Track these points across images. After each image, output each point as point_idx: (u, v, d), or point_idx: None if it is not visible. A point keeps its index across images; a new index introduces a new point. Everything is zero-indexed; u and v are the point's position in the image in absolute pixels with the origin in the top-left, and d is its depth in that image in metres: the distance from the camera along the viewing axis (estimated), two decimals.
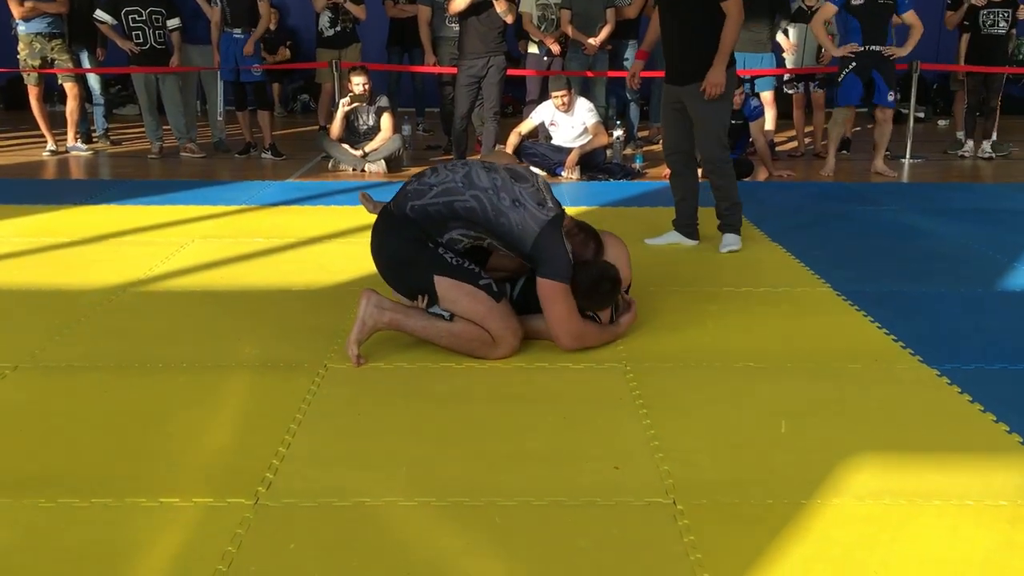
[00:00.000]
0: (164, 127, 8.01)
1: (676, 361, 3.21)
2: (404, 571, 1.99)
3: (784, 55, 7.79)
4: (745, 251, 4.70)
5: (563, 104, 6.76)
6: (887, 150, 7.29)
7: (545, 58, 7.75)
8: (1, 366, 3.11)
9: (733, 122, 5.87)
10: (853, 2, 6.62)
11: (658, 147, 8.28)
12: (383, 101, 7.24)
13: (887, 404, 2.86)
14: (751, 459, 2.50)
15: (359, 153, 7.14)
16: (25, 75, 7.84)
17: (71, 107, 7.99)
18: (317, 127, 8.84)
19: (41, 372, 3.11)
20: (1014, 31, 7.94)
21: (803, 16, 7.64)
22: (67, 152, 8.04)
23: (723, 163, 4.68)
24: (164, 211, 5.61)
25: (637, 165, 7.22)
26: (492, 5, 6.62)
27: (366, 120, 7.22)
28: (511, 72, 7.22)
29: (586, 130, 6.85)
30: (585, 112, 6.84)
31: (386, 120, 7.18)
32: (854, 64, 6.72)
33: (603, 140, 6.95)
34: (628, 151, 7.77)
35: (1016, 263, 4.45)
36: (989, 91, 7.91)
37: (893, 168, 7.17)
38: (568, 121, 6.87)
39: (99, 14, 7.62)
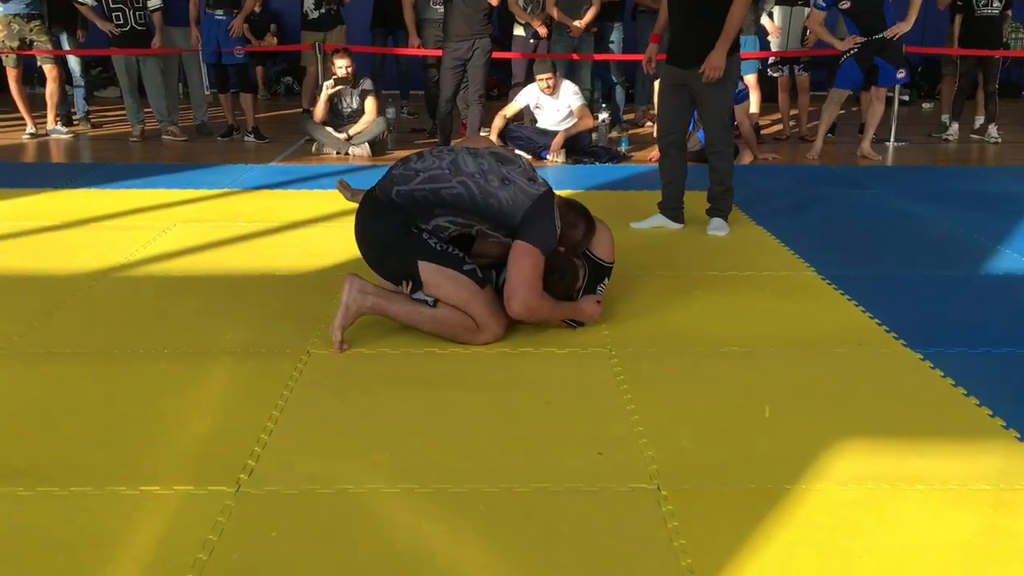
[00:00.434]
0: (146, 110, 7.93)
1: (660, 346, 3.20)
2: (387, 558, 1.98)
3: (769, 38, 7.77)
4: (730, 235, 4.69)
5: (548, 87, 6.73)
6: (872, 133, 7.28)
7: (531, 40, 7.70)
8: None
9: None
10: (841, 5, 6.59)
11: (643, 130, 8.28)
12: (367, 84, 7.18)
13: (871, 388, 2.86)
14: (735, 444, 2.50)
15: (343, 136, 7.09)
16: (4, 57, 7.72)
17: (51, 89, 7.89)
18: (301, 110, 8.77)
19: (20, 359, 3.07)
20: (1009, 13, 7.86)
21: None
22: (47, 135, 7.95)
23: (727, 146, 4.71)
24: (145, 195, 5.55)
25: (623, 148, 7.20)
26: None
27: (350, 103, 7.17)
28: (497, 54, 7.17)
29: (571, 113, 6.82)
30: (570, 95, 6.81)
31: (370, 103, 7.12)
32: (855, 51, 6.67)
33: (588, 123, 6.92)
34: (614, 134, 7.75)
35: (1000, 247, 4.46)
36: (987, 75, 7.83)
37: (878, 151, 7.18)
38: (553, 104, 6.83)
39: None
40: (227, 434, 2.53)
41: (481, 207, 3.13)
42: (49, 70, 7.84)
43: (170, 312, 3.52)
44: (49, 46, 7.76)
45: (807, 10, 7.22)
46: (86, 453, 2.42)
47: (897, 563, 1.98)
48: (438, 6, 7.34)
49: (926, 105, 10.43)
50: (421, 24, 7.74)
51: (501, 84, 9.41)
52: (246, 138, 7.75)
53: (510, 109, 6.99)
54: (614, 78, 8.32)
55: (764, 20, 7.67)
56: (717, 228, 4.73)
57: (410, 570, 1.95)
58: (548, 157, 6.79)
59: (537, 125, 6.97)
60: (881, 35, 6.58)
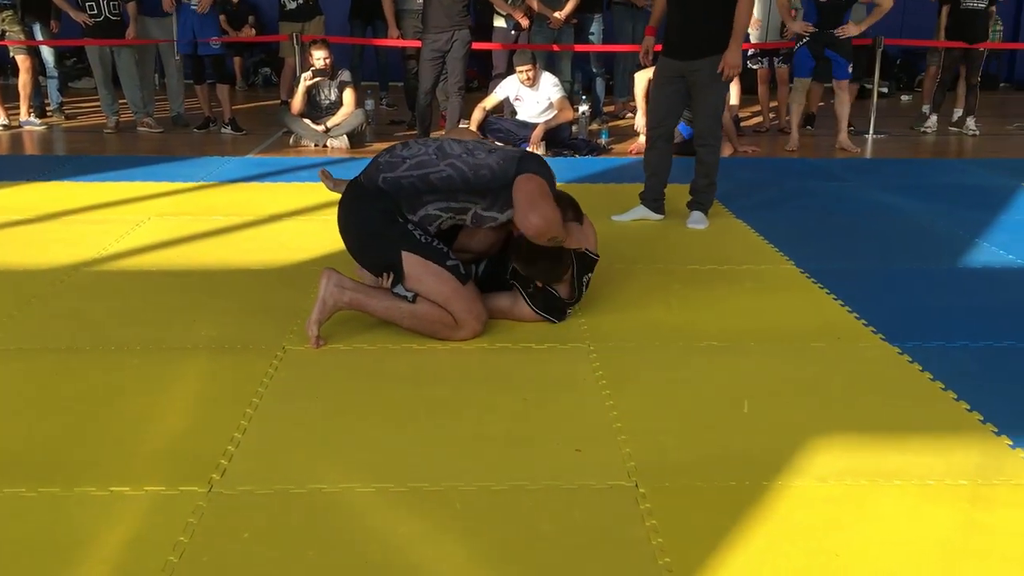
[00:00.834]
0: (121, 101, 7.83)
1: (640, 340, 3.19)
2: (360, 560, 1.95)
3: (748, 30, 7.75)
4: (710, 228, 4.69)
5: (528, 79, 6.69)
6: (851, 125, 7.30)
7: (512, 32, 7.66)
8: None
9: None
10: None
11: (624, 122, 8.25)
12: (345, 75, 7.11)
13: (849, 383, 2.86)
14: (713, 440, 2.48)
15: (321, 128, 7.02)
16: None
17: (24, 80, 7.78)
18: (279, 101, 8.68)
19: None
20: (993, 8, 7.86)
21: None
22: (20, 127, 7.83)
23: (717, 140, 4.75)
24: (120, 188, 5.48)
25: (603, 141, 7.17)
26: None
27: (328, 95, 7.10)
28: (476, 45, 7.12)
29: (551, 105, 6.78)
30: (550, 87, 6.77)
31: (348, 95, 7.06)
32: (807, 39, 6.76)
33: (568, 115, 6.89)
34: (594, 126, 7.72)
35: (978, 239, 4.47)
36: (970, 68, 7.84)
37: (857, 144, 7.19)
38: (533, 96, 6.80)
39: None
40: (200, 432, 2.49)
41: (473, 182, 3.10)
42: (22, 61, 7.73)
43: (143, 307, 3.47)
44: (22, 36, 7.65)
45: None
46: (55, 453, 2.38)
47: (875, 559, 1.97)
48: None
49: (905, 97, 10.46)
50: (400, 15, 7.68)
51: (481, 76, 9.36)
52: (223, 130, 7.67)
53: (490, 101, 6.94)
54: (594, 70, 8.29)
55: None
56: (697, 221, 4.72)
57: (383, 571, 1.92)
58: (528, 149, 6.75)
59: (517, 117, 6.93)
60: (833, 30, 6.63)
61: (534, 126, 6.74)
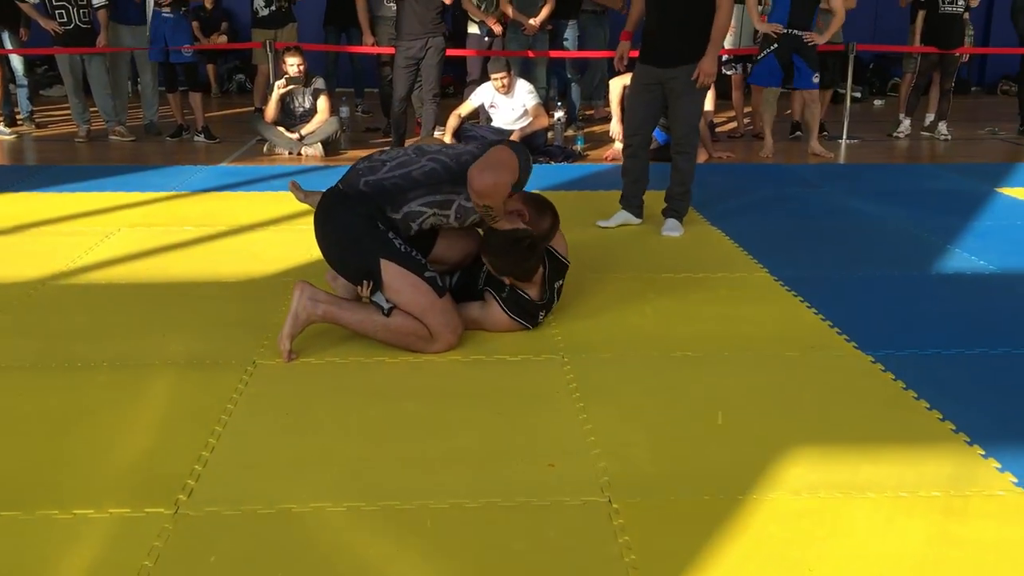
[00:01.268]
0: (92, 109, 7.74)
1: (614, 351, 3.17)
2: None
3: None
4: (684, 235, 4.68)
5: (503, 86, 6.67)
6: (824, 130, 7.32)
7: (486, 38, 7.64)
8: None
9: None
10: None
11: (599, 127, 8.24)
12: (319, 83, 7.07)
13: (822, 393, 2.85)
14: (687, 453, 2.47)
15: (295, 136, 6.97)
16: None
17: None
18: (253, 108, 8.62)
19: None
20: (967, 15, 7.89)
21: None
22: None
23: (693, 147, 4.76)
24: (89, 198, 5.41)
25: (578, 147, 7.17)
26: None
27: (302, 102, 7.05)
28: (450, 52, 7.10)
29: (526, 112, 6.77)
30: (525, 94, 6.76)
31: (322, 102, 7.02)
32: (775, 46, 6.73)
33: (543, 122, 6.88)
34: (570, 132, 7.72)
35: (950, 245, 4.49)
36: (944, 73, 7.87)
37: (830, 149, 7.22)
38: (508, 103, 6.78)
39: None
40: (166, 451, 2.45)
41: (455, 171, 3.09)
42: None
43: (111, 322, 3.42)
44: None
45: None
46: (17, 475, 2.33)
47: (849, 574, 1.96)
48: (391, 3, 7.24)
49: (878, 102, 10.53)
50: (375, 21, 7.65)
51: (457, 82, 9.34)
52: (196, 138, 7.61)
53: (465, 108, 6.92)
54: (569, 75, 8.29)
55: None
56: (672, 229, 4.71)
57: None
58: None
59: (492, 124, 6.91)
60: (800, 33, 6.64)
61: (509, 133, 6.72)
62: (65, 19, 7.33)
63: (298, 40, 7.87)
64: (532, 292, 3.28)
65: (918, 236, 4.70)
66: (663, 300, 3.68)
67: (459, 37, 8.12)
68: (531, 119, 6.76)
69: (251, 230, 4.74)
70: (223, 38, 9.55)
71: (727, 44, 7.79)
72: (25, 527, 2.10)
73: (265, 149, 7.09)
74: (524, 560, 2.01)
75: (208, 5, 9.31)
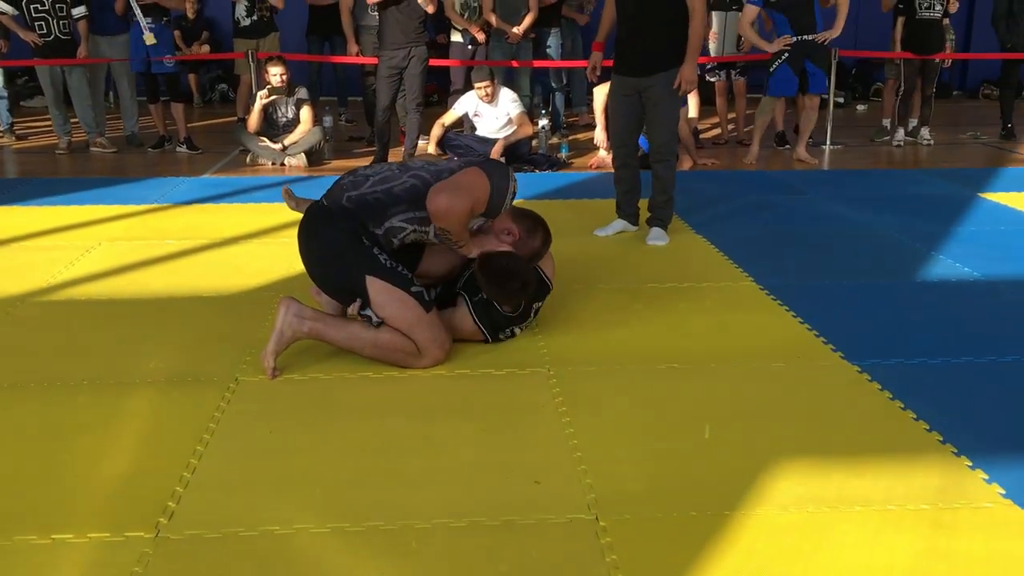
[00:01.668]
0: (73, 120, 7.68)
1: (600, 364, 3.15)
2: None
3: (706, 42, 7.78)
4: (670, 244, 4.67)
5: (487, 95, 6.66)
6: (809, 137, 7.32)
7: (469, 47, 7.63)
8: None
9: None
10: None
11: (584, 135, 8.24)
12: (302, 93, 7.04)
13: (809, 405, 2.84)
14: (674, 468, 2.45)
15: (278, 146, 6.94)
16: None
17: None
18: (236, 118, 8.57)
19: None
20: (947, 21, 7.91)
21: (723, 4, 7.64)
22: None
23: (672, 155, 4.77)
24: (70, 212, 5.36)
25: (563, 155, 7.15)
26: None
27: (285, 112, 7.02)
28: (433, 62, 7.08)
29: (510, 121, 6.76)
30: (509, 103, 6.75)
31: (306, 112, 6.98)
32: (787, 55, 6.69)
33: (528, 131, 6.87)
34: (554, 140, 7.71)
35: (935, 252, 4.50)
36: (926, 78, 7.87)
37: (814, 155, 7.23)
38: (492, 112, 6.77)
39: None
40: (147, 473, 2.42)
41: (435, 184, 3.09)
42: None
43: (91, 339, 3.38)
44: None
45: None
46: None
47: None
48: (375, 12, 7.21)
49: (860, 107, 10.57)
50: (359, 30, 7.62)
51: (441, 90, 9.31)
52: (178, 149, 7.56)
53: (448, 117, 6.91)
54: (553, 84, 8.29)
55: None
56: (657, 238, 4.71)
57: None
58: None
59: (476, 133, 6.89)
60: (811, 37, 6.63)
61: (494, 142, 6.71)
62: (45, 31, 7.27)
63: (281, 50, 7.83)
64: (506, 306, 3.25)
65: (903, 242, 4.70)
66: (649, 311, 3.66)
67: (443, 47, 8.10)
68: (515, 127, 6.75)
69: (234, 243, 4.70)
70: (205, 48, 9.48)
71: (711, 51, 7.81)
72: (3, 553, 2.06)
73: (248, 159, 7.05)
74: None
75: (190, 15, 9.24)
